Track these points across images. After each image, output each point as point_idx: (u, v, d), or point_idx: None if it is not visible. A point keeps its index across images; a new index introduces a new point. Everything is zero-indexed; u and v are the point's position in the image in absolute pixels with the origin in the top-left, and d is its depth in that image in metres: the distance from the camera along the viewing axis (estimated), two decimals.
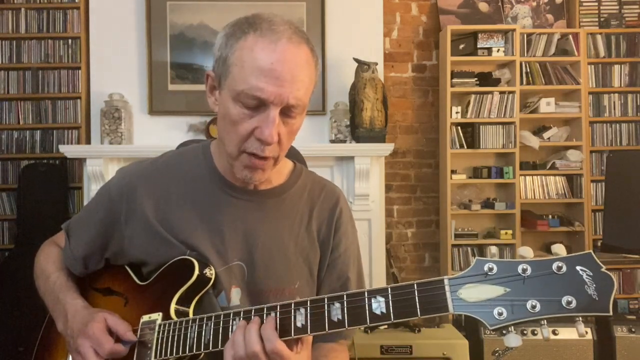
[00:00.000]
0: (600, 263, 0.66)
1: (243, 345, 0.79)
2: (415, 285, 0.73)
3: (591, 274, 0.65)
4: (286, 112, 0.89)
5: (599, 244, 3.02)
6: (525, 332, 2.44)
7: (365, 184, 2.99)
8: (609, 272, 0.65)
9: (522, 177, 3.31)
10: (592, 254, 0.66)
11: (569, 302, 0.65)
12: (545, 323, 0.67)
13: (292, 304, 0.80)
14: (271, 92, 0.85)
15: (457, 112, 3.24)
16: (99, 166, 2.89)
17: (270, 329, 0.79)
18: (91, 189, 2.94)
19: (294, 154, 1.23)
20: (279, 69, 0.85)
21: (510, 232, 3.23)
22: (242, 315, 0.83)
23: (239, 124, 0.89)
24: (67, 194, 3.18)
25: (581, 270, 0.66)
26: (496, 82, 3.27)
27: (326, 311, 0.77)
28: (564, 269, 0.66)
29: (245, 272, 0.98)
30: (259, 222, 1.00)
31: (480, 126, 3.23)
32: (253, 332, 0.79)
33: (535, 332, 2.45)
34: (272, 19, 0.89)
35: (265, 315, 0.81)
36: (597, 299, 0.64)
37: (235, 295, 0.97)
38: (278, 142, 0.90)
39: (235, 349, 0.80)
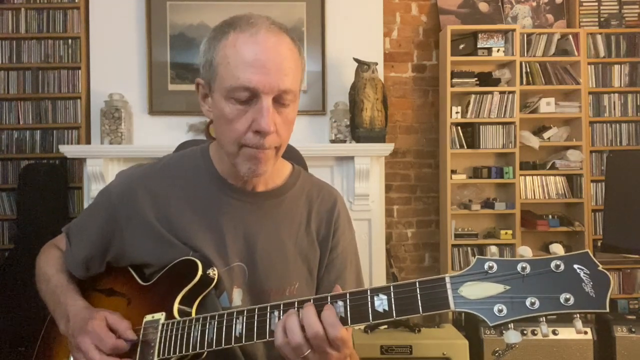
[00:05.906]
0: (597, 262, 0.66)
1: (299, 330, 0.76)
2: (417, 283, 0.73)
3: (588, 272, 0.66)
4: (278, 100, 0.90)
5: (599, 244, 3.02)
6: (525, 332, 2.44)
7: (365, 184, 2.99)
8: (605, 271, 0.66)
9: (522, 177, 3.31)
10: (589, 252, 0.67)
11: (567, 300, 0.66)
12: (544, 320, 0.68)
13: (296, 303, 0.80)
14: (259, 80, 0.86)
15: (457, 112, 3.24)
16: (99, 166, 2.89)
17: (333, 316, 0.76)
18: (91, 189, 2.94)
19: (294, 155, 1.24)
20: (263, 58, 0.87)
21: (510, 232, 3.23)
22: (245, 314, 0.83)
23: (235, 121, 0.90)
24: (67, 194, 3.18)
25: (578, 268, 0.67)
26: (496, 82, 3.27)
27: None
28: (562, 267, 0.67)
29: (246, 273, 0.99)
30: (258, 223, 1.01)
31: (480, 126, 3.23)
32: (312, 315, 0.76)
33: (535, 332, 2.45)
34: (250, 15, 0.91)
35: (268, 313, 0.81)
36: (594, 296, 0.65)
37: (237, 296, 0.98)
38: (276, 132, 0.90)
39: (290, 336, 0.76)
